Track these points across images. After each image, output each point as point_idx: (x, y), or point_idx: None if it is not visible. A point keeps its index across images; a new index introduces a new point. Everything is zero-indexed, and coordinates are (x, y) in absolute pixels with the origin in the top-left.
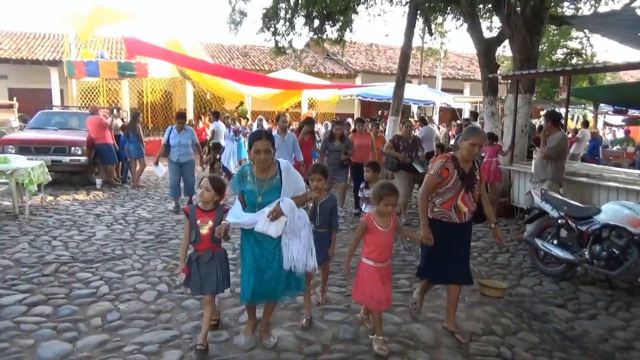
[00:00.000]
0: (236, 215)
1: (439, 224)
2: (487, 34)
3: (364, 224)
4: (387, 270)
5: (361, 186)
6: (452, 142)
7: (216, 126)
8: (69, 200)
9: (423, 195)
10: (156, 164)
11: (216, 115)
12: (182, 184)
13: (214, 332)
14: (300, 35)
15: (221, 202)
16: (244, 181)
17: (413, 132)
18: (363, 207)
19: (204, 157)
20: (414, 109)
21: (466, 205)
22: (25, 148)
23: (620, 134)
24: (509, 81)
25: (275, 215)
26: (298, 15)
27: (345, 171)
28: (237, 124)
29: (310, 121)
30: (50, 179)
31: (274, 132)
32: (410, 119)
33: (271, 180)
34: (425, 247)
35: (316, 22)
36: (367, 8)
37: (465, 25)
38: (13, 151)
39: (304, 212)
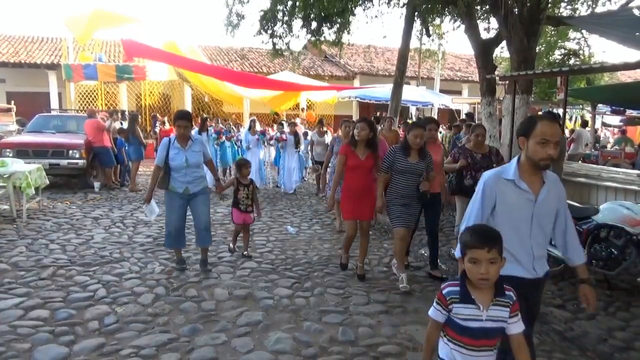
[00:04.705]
0: None
1: None
2: (484, 35)
3: None
4: None
5: None
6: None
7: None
8: (67, 203)
9: None
10: (147, 201)
11: (294, 127)
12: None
13: (212, 335)
14: (298, 38)
15: None
16: None
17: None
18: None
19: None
20: (412, 110)
21: None
22: (23, 151)
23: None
24: (507, 82)
25: None
26: (295, 18)
27: (420, 208)
28: (220, 124)
29: (370, 124)
30: (48, 182)
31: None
32: (409, 120)
33: None
34: None
35: (314, 24)
36: (364, 10)
37: (463, 27)
38: (11, 155)
39: None
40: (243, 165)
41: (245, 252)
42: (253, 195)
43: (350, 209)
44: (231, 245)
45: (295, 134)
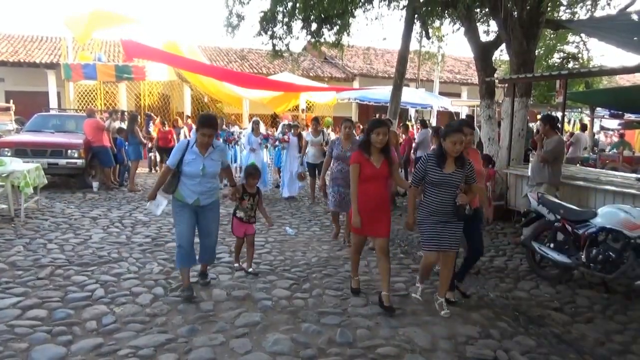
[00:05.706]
0: None
1: None
2: (484, 38)
3: None
4: None
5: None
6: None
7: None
8: (65, 203)
9: None
10: (153, 197)
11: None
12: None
13: (210, 335)
14: (298, 39)
15: None
16: None
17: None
18: None
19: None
20: (412, 112)
21: None
22: (22, 151)
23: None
24: (506, 85)
25: None
26: (295, 19)
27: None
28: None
29: (387, 126)
30: (47, 181)
31: None
32: (408, 122)
33: None
34: None
35: (314, 26)
36: (364, 12)
37: (462, 29)
38: (9, 154)
39: None
40: (251, 175)
41: (251, 270)
42: (259, 204)
43: (362, 223)
44: (236, 264)
45: (299, 136)
